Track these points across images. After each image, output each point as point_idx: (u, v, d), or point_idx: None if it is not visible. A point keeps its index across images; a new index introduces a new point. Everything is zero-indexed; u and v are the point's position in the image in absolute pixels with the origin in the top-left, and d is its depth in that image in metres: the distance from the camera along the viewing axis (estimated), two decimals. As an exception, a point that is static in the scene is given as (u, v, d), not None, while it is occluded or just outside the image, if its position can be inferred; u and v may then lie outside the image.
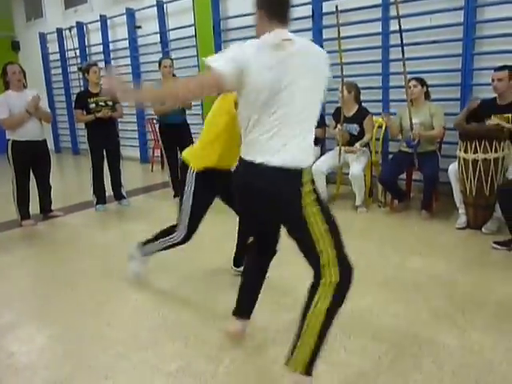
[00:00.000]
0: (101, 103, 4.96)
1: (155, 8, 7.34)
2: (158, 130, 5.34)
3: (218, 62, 1.77)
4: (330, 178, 5.04)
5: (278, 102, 1.80)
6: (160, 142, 5.35)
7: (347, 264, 1.86)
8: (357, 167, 4.56)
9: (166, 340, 2.49)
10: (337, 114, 4.82)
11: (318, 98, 1.93)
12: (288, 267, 2.85)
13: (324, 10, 5.45)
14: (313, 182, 1.87)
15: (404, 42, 4.21)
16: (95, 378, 2.20)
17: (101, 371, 2.24)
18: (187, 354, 2.35)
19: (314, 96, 1.91)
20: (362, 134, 4.71)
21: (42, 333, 2.67)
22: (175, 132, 5.12)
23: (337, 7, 4.58)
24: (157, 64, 6.80)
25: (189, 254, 3.38)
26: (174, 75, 5.20)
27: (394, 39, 4.80)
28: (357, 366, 2.17)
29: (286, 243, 2.06)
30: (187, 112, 5.40)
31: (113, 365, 2.29)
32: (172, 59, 5.24)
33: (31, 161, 4.65)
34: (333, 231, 1.85)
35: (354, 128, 4.72)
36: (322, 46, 5.52)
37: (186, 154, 2.83)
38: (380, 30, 5.06)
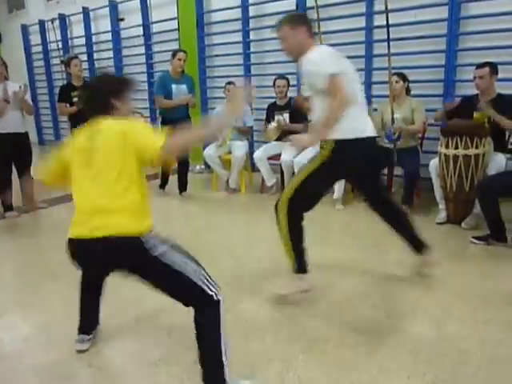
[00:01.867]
0: None
1: (138, 1, 7.26)
2: (160, 124, 5.20)
3: (334, 69, 2.37)
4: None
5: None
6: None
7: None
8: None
9: (149, 330, 2.50)
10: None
11: None
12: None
13: (308, 5, 5.42)
14: None
15: (383, 37, 4.21)
16: (80, 365, 2.20)
17: (85, 359, 2.24)
18: (168, 344, 2.35)
19: None
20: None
21: (27, 322, 2.67)
22: (179, 126, 5.03)
23: (316, 1, 4.56)
24: (139, 57, 6.74)
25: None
26: (183, 71, 5.11)
27: (377, 34, 4.79)
28: (334, 354, 2.19)
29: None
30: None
31: (97, 353, 2.29)
32: (186, 52, 5.12)
33: (13, 153, 4.61)
34: None
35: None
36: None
37: None
38: (364, 24, 5.05)
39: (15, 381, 2.14)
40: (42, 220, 4.74)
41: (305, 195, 2.62)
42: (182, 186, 5.28)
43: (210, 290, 1.80)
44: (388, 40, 4.19)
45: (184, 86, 5.08)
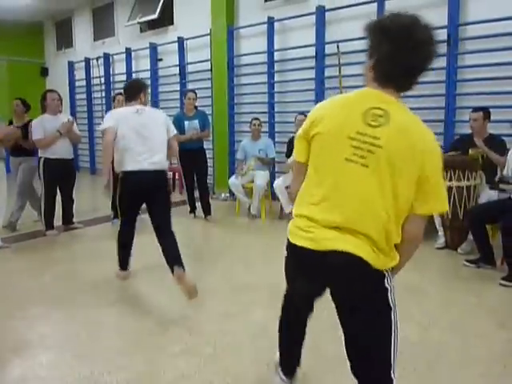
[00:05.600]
0: None
1: (176, 44, 8.05)
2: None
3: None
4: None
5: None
6: (179, 165, 5.88)
7: None
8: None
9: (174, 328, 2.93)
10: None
11: None
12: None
13: (327, 52, 6.07)
14: None
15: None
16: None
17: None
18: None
19: None
20: None
21: (66, 327, 3.03)
22: (192, 157, 5.66)
23: (339, 59, 5.20)
24: (175, 94, 7.46)
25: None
26: (195, 107, 5.81)
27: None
28: (323, 364, 2.45)
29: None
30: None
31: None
32: (196, 92, 5.85)
33: (60, 176, 5.11)
34: None
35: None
36: (323, 83, 6.16)
37: None
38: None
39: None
40: (78, 239, 5.19)
41: None
42: (206, 210, 5.84)
43: (394, 372, 1.54)
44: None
45: (196, 121, 5.72)
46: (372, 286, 1.54)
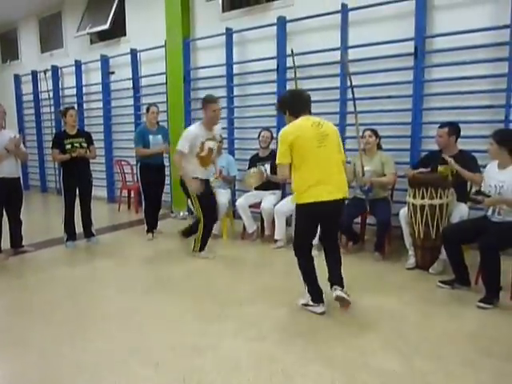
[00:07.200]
0: (76, 144, 5.09)
1: (129, 56, 7.67)
2: (139, 169, 5.62)
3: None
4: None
5: None
6: (139, 180, 5.62)
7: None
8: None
9: (137, 365, 2.65)
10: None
11: None
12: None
13: (288, 65, 5.85)
14: None
15: (359, 96, 4.59)
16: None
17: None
18: (155, 379, 2.51)
19: None
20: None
21: (18, 361, 2.76)
22: (155, 172, 5.54)
23: (293, 61, 5.07)
24: (128, 108, 7.10)
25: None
26: (157, 123, 5.61)
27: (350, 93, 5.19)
28: None
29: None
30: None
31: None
32: (158, 106, 5.62)
33: (5, 197, 4.75)
34: None
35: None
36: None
37: None
38: (338, 84, 5.46)
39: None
40: (28, 263, 4.83)
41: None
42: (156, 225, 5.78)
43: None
44: (354, 99, 4.63)
45: (159, 137, 5.56)
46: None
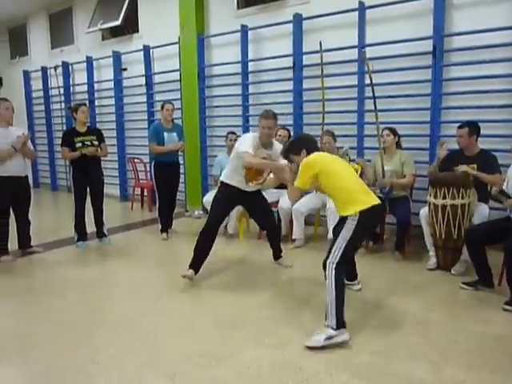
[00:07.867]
0: (86, 142, 5.01)
1: (142, 52, 7.63)
2: (153, 167, 5.56)
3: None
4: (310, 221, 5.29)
5: None
6: (153, 178, 5.56)
7: None
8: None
9: (151, 376, 2.54)
10: None
11: None
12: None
13: (305, 63, 5.83)
14: None
15: (378, 95, 4.56)
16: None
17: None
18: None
19: None
20: None
21: (24, 370, 2.67)
22: (170, 171, 5.50)
23: (321, 56, 5.06)
24: (141, 105, 7.09)
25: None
26: (172, 120, 5.52)
27: (368, 92, 5.17)
28: None
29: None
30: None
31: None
32: (173, 104, 5.53)
33: (12, 196, 4.66)
34: None
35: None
36: (301, 96, 5.91)
37: None
38: (356, 82, 5.43)
39: None
40: (37, 265, 4.72)
41: None
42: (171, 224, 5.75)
43: None
44: (374, 97, 4.60)
45: (174, 134, 5.49)
46: None
